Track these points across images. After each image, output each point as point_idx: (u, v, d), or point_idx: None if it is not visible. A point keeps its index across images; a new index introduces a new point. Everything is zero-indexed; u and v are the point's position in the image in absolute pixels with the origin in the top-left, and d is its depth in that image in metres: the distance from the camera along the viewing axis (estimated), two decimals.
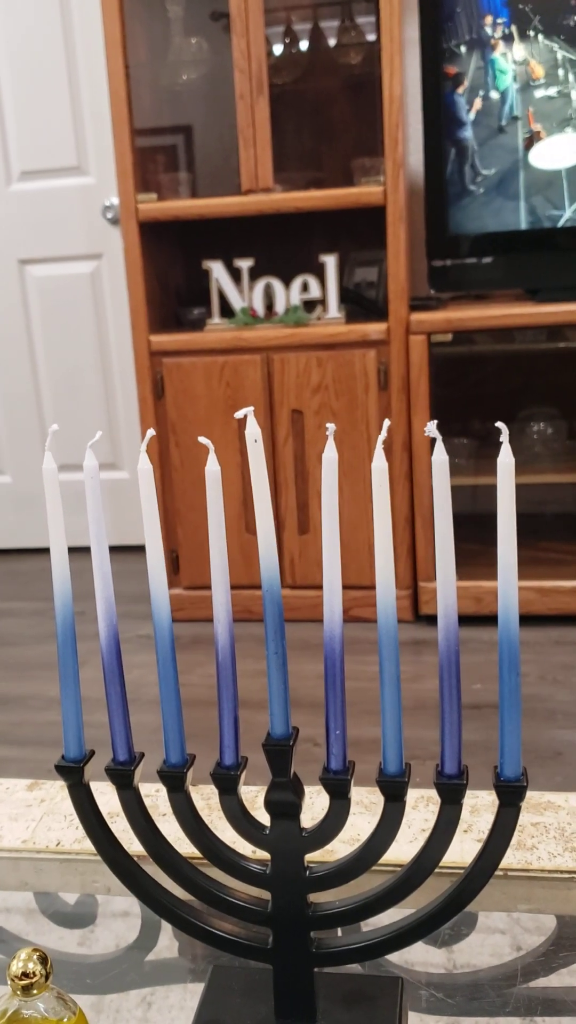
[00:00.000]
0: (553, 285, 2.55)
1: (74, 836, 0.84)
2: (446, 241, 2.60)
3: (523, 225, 2.56)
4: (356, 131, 2.83)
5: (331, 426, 0.50)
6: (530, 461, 2.73)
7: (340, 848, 0.77)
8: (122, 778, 0.58)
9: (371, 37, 2.76)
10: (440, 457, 0.50)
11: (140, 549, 2.86)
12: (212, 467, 0.52)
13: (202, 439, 0.52)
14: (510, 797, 0.54)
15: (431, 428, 0.50)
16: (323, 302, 2.60)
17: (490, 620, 2.61)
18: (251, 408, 0.51)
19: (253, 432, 0.51)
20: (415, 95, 2.68)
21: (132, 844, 0.63)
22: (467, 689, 2.31)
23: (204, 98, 2.91)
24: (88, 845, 0.65)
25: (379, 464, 0.51)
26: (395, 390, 2.55)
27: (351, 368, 2.57)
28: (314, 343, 2.58)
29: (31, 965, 0.54)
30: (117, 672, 0.56)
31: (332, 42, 2.81)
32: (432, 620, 2.62)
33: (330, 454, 0.52)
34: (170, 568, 2.77)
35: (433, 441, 0.50)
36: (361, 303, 2.74)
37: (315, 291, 2.59)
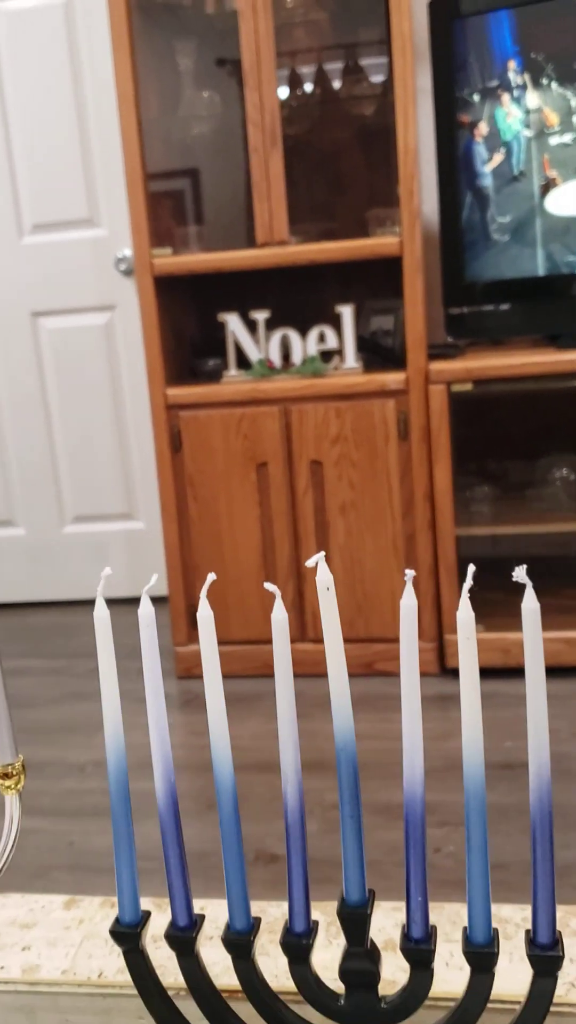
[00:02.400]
0: (573, 331, 2.51)
1: (117, 965, 0.79)
2: (463, 289, 2.57)
3: (540, 272, 2.53)
4: (369, 181, 2.81)
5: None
6: (553, 508, 2.68)
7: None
8: (183, 945, 0.53)
9: (383, 85, 2.74)
10: (531, 605, 0.46)
11: (158, 601, 2.82)
12: (279, 615, 0.48)
13: (268, 586, 0.48)
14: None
15: (520, 574, 0.46)
16: (340, 352, 2.57)
17: (518, 672, 2.56)
18: (322, 554, 0.47)
19: (324, 580, 0.46)
20: (428, 143, 2.66)
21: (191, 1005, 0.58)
22: (498, 747, 2.25)
23: (216, 150, 2.90)
24: None
25: (408, 602, 0.47)
26: (415, 440, 2.51)
27: (370, 418, 2.54)
28: (332, 394, 2.55)
29: None
30: (175, 834, 0.52)
31: (344, 93, 2.80)
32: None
33: (409, 600, 0.47)
34: (189, 624, 2.73)
35: (522, 587, 0.46)
36: (378, 352, 2.71)
37: (332, 341, 2.57)
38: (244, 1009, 0.64)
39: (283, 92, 2.75)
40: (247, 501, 2.64)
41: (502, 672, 2.51)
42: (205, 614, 0.49)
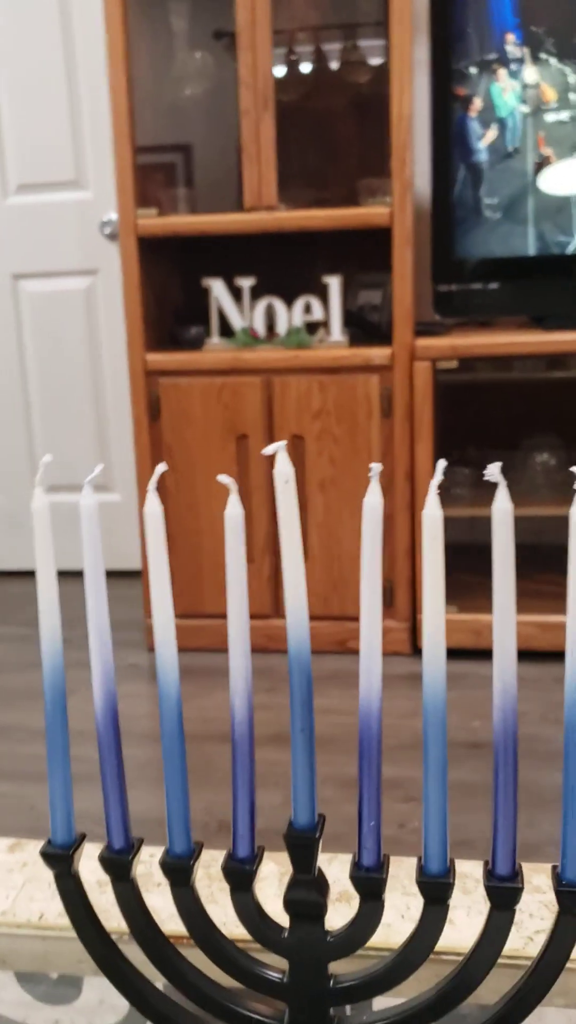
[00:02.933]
0: (560, 313, 2.48)
1: (59, 908, 0.75)
2: (452, 265, 2.53)
3: (531, 251, 2.50)
4: (362, 151, 2.77)
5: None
6: (532, 492, 2.65)
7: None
8: (118, 868, 0.50)
9: (380, 57, 2.70)
10: (503, 506, 0.42)
11: (133, 574, 2.77)
12: (234, 510, 0.44)
13: (223, 478, 0.44)
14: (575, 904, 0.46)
15: (493, 471, 0.42)
16: (326, 324, 2.53)
17: (490, 654, 2.53)
18: (283, 443, 0.43)
19: (283, 472, 0.43)
20: (423, 117, 2.62)
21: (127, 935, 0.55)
22: (466, 727, 2.23)
23: (207, 113, 2.85)
24: None
25: (373, 500, 0.43)
26: (398, 417, 2.48)
27: (353, 393, 2.50)
28: (316, 367, 2.51)
29: None
30: (114, 751, 0.48)
31: (340, 61, 2.75)
32: None
33: (374, 500, 0.44)
34: None
35: (494, 485, 0.43)
36: (364, 326, 2.67)
37: (318, 313, 2.53)
38: (193, 956, 0.60)
39: (278, 56, 2.71)
40: (225, 473, 2.59)
41: (473, 653, 2.48)
42: (152, 509, 0.45)
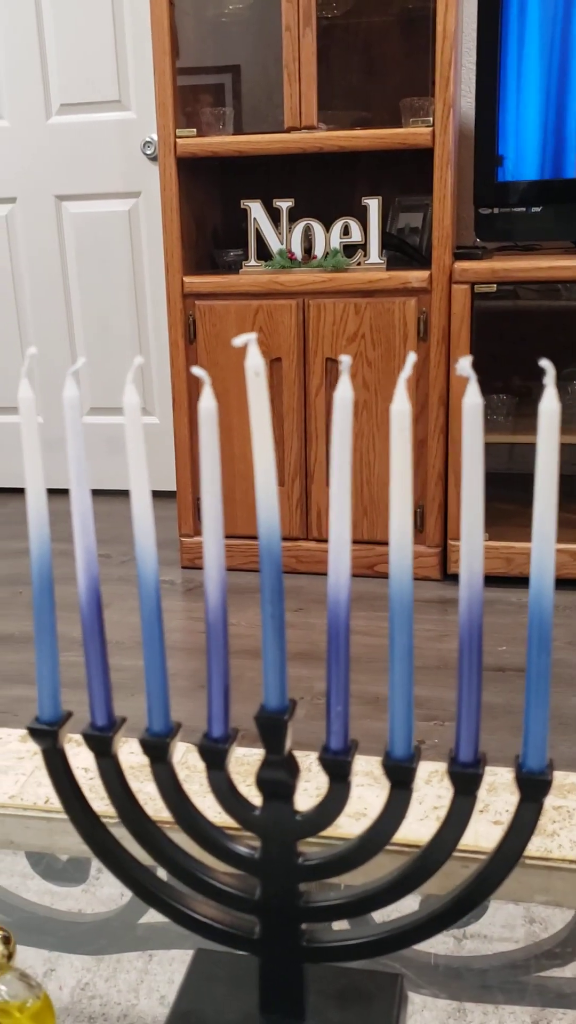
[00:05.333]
0: None
1: None
2: (495, 188, 2.49)
3: None
4: (406, 70, 2.71)
5: (346, 359, 0.43)
6: (569, 420, 2.63)
7: (342, 821, 0.72)
8: (100, 744, 0.52)
9: None
10: (473, 400, 0.43)
11: (172, 495, 2.79)
12: (207, 403, 0.46)
13: (196, 370, 0.45)
14: (533, 791, 0.48)
15: (464, 366, 0.43)
16: (364, 247, 2.51)
17: (519, 581, 2.54)
18: (253, 335, 0.44)
19: (254, 365, 0.44)
20: (471, 35, 2.56)
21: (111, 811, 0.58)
22: (492, 651, 2.24)
23: (249, 31, 2.80)
24: None
25: (400, 407, 0.44)
26: (435, 341, 2.46)
27: (390, 317, 2.48)
28: (352, 289, 2.49)
29: None
30: (97, 629, 0.50)
31: None
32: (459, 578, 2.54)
33: (345, 392, 0.45)
34: (195, 516, 2.72)
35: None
36: (404, 250, 2.65)
37: (356, 235, 2.50)
38: (177, 839, 0.63)
39: None
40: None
41: (504, 580, 2.49)
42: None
